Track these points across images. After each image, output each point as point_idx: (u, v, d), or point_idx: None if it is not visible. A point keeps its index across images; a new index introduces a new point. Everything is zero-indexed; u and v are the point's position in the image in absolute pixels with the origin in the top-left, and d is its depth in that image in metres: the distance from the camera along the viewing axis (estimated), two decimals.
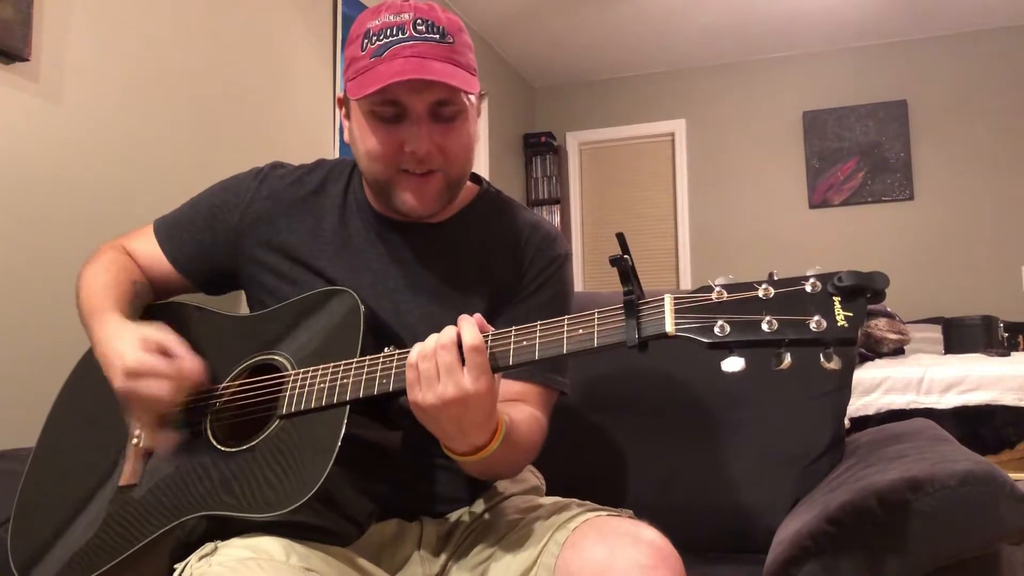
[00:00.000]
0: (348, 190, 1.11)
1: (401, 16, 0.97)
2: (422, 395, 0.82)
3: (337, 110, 1.12)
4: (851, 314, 0.67)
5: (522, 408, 0.99)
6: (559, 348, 0.79)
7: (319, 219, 1.09)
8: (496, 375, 0.84)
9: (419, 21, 0.96)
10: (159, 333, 0.95)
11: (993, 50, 4.89)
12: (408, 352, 0.86)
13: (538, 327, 0.81)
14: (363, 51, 0.96)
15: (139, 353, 0.92)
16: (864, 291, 0.68)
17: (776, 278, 0.71)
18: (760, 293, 0.70)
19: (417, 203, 1.00)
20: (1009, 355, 3.65)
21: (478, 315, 0.86)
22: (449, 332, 0.83)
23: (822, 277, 0.69)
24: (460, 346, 0.82)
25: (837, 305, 0.68)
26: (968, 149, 4.90)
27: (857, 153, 5.10)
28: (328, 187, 1.12)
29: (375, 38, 0.96)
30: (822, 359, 0.68)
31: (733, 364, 0.70)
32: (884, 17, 4.74)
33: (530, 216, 1.14)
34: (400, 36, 0.95)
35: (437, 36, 0.96)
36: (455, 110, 0.98)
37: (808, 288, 0.69)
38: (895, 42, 5.07)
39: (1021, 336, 4.31)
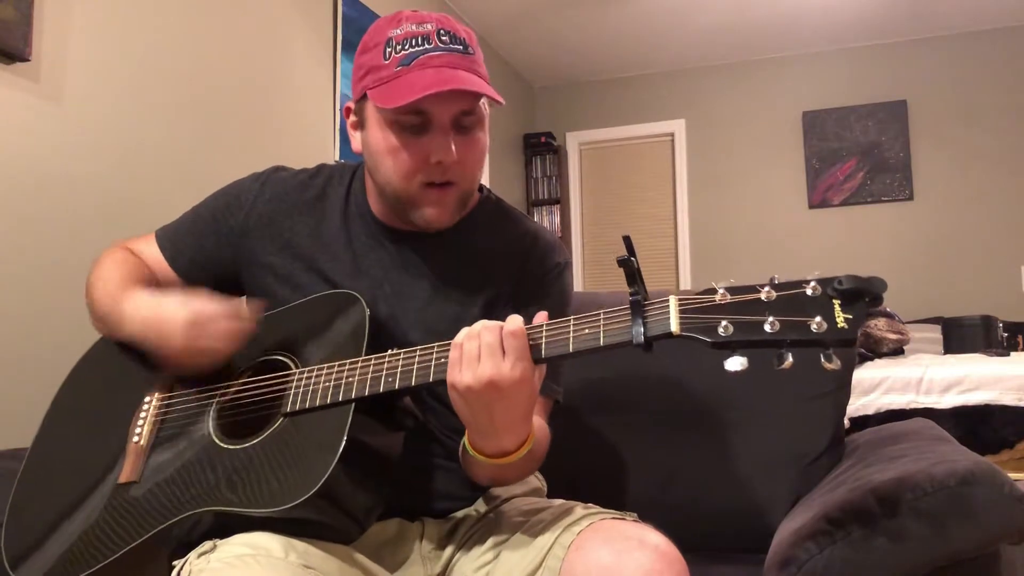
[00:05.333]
0: (349, 195, 1.11)
1: (424, 26, 0.97)
2: (460, 375, 0.83)
3: (344, 118, 1.10)
4: (851, 316, 0.70)
5: (533, 418, 0.99)
6: (564, 347, 0.81)
7: (321, 222, 1.09)
8: (535, 375, 0.84)
9: (442, 31, 0.97)
10: (196, 292, 0.98)
11: (993, 50, 4.89)
12: (414, 350, 0.88)
13: (544, 326, 0.83)
14: (386, 59, 0.96)
15: (193, 304, 0.94)
16: (863, 294, 0.70)
17: (777, 282, 0.74)
18: (762, 296, 0.73)
19: (437, 217, 1.01)
20: (1008, 355, 3.64)
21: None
22: (496, 321, 0.84)
23: (822, 281, 0.72)
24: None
25: (837, 307, 0.70)
26: (968, 149, 4.91)
27: (857, 153, 5.10)
28: (330, 192, 1.12)
29: (399, 47, 0.96)
30: (823, 359, 0.71)
31: (736, 363, 0.72)
32: (884, 17, 4.74)
33: (530, 225, 1.14)
34: (426, 46, 0.95)
35: (461, 47, 0.97)
36: (475, 119, 0.99)
37: (809, 291, 0.72)
38: (894, 42, 5.07)
39: (1021, 336, 4.31)
